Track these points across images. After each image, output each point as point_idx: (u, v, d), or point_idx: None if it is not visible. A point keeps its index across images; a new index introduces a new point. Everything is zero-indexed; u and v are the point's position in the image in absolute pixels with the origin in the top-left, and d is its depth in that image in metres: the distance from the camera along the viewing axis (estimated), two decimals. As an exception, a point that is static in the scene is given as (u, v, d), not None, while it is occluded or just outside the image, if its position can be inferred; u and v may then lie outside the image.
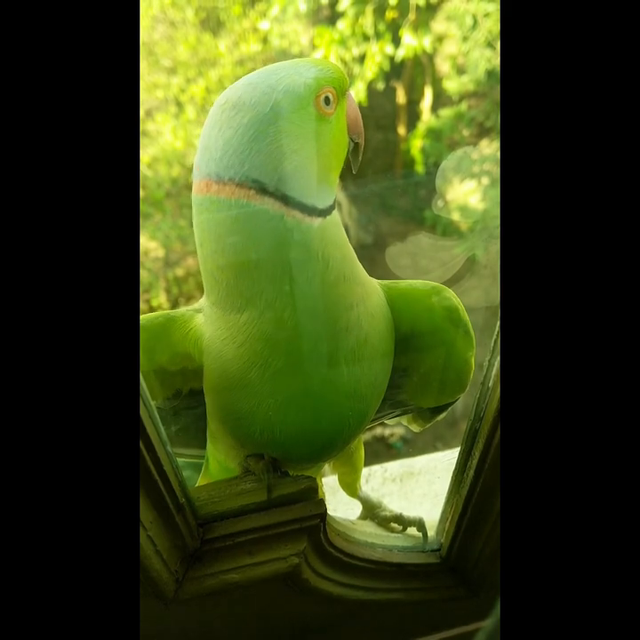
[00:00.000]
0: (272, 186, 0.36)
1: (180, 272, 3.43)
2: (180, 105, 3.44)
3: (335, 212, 0.40)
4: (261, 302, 0.38)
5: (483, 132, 3.49)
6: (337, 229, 0.39)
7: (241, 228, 0.36)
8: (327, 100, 0.38)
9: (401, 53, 3.16)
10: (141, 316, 0.44)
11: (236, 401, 0.43)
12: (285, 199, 0.36)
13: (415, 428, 0.58)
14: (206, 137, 0.37)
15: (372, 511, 0.59)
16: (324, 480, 0.57)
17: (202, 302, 0.44)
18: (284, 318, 0.38)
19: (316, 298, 0.39)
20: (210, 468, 0.53)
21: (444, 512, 0.55)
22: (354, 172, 0.43)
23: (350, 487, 0.58)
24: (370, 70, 3.17)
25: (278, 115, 0.36)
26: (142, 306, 3.27)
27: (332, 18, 3.30)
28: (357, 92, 3.17)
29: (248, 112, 0.36)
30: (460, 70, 3.47)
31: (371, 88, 3.22)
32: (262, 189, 0.36)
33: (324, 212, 0.38)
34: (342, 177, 0.42)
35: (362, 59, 3.23)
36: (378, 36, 3.21)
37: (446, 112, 3.51)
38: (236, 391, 0.42)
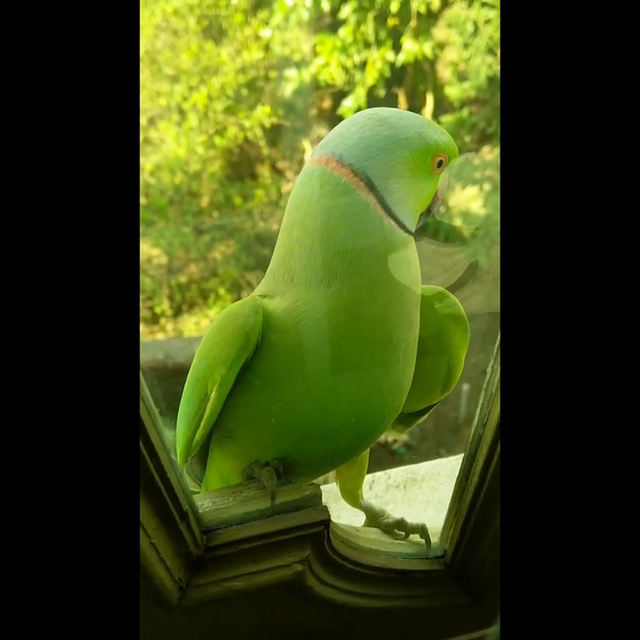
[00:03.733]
0: (379, 190, 0.41)
1: (182, 279, 3.43)
2: (182, 113, 3.46)
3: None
4: (349, 281, 0.42)
5: (484, 139, 3.49)
6: (414, 246, 0.45)
7: (344, 207, 0.41)
8: (439, 164, 0.44)
9: (402, 59, 3.17)
10: (237, 303, 0.45)
11: (286, 386, 0.44)
12: (385, 206, 0.42)
13: (395, 434, 0.58)
14: (345, 129, 0.43)
15: (375, 520, 0.59)
16: (327, 488, 0.57)
17: (263, 289, 0.45)
18: (370, 299, 0.42)
19: (399, 286, 0.43)
20: (209, 480, 0.53)
21: (447, 519, 0.54)
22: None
23: (352, 495, 0.58)
24: (371, 76, 3.18)
25: (408, 146, 0.42)
26: (145, 313, 3.28)
27: (334, 25, 3.32)
28: (358, 98, 3.18)
29: (389, 129, 0.42)
30: (462, 77, 3.47)
31: (372, 94, 3.23)
32: (370, 187, 0.41)
33: (409, 233, 0.44)
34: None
35: (363, 65, 3.25)
36: (379, 42, 3.22)
37: (448, 118, 3.51)
38: (292, 376, 0.44)
